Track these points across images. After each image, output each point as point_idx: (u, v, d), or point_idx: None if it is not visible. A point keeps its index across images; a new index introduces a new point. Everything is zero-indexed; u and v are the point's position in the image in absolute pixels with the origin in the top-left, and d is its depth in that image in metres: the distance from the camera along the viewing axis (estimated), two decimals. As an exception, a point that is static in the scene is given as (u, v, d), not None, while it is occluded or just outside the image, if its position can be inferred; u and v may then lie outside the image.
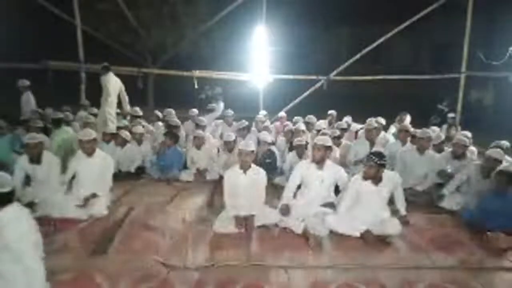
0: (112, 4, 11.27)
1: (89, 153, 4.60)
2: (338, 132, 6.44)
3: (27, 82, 7.88)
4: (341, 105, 8.77)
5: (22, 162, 4.55)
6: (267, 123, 7.94)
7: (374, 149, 5.44)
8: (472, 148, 6.11)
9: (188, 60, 12.65)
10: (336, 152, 6.02)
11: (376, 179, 4.10)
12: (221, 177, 5.30)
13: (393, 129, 7.68)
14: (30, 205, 4.20)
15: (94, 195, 4.50)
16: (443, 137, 6.34)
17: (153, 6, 13.18)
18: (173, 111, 7.91)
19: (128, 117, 7.88)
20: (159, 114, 8.16)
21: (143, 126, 7.15)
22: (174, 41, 13.35)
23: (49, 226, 4.02)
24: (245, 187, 4.26)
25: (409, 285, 3.25)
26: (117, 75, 7.46)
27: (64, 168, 4.75)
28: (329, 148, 4.44)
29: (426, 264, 3.61)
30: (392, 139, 7.13)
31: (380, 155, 4.08)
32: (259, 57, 9.74)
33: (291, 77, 10.32)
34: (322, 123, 7.66)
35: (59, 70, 9.29)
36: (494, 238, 3.95)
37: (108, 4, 11.81)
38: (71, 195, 4.53)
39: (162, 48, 13.89)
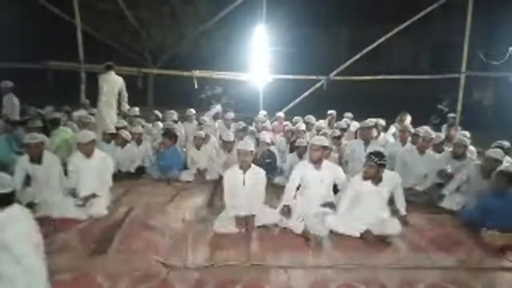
0: (112, 4, 11.27)
1: (88, 153, 4.60)
2: (338, 132, 6.44)
3: (10, 83, 7.62)
4: (341, 105, 8.77)
5: (23, 162, 4.55)
6: (267, 123, 7.94)
7: (370, 148, 5.43)
8: (471, 148, 6.11)
9: (188, 60, 12.65)
10: (336, 152, 6.03)
11: (376, 179, 4.10)
12: (221, 177, 5.30)
13: (392, 129, 7.67)
14: (30, 205, 4.21)
15: (93, 195, 4.50)
16: (443, 137, 6.34)
17: (153, 6, 13.19)
18: (175, 113, 7.89)
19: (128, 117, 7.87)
20: (159, 114, 8.16)
21: (143, 126, 7.15)
22: (174, 41, 13.36)
23: (49, 226, 4.01)
24: (245, 187, 4.26)
25: (409, 285, 3.25)
26: (118, 74, 7.43)
27: (64, 169, 4.75)
28: (326, 148, 4.43)
29: (426, 264, 3.61)
30: (392, 139, 7.13)
31: (380, 155, 4.08)
32: (259, 57, 9.74)
33: (291, 77, 10.32)
34: (322, 123, 7.67)
35: (59, 70, 9.29)
36: (490, 236, 3.96)
37: (108, 4, 11.81)
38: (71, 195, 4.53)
39: (162, 48, 13.90)
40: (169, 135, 6.24)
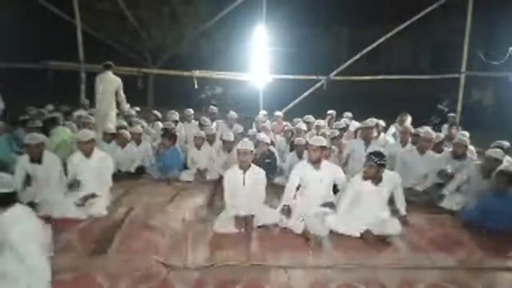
0: (112, 4, 11.28)
1: (88, 153, 4.60)
2: (337, 133, 6.44)
3: None
4: (341, 105, 8.77)
5: (23, 162, 4.55)
6: (267, 123, 7.93)
7: (370, 148, 5.44)
8: (472, 148, 6.11)
9: (188, 60, 12.65)
10: (336, 152, 6.03)
11: (376, 179, 4.10)
12: (221, 177, 5.30)
13: (392, 129, 7.67)
14: (31, 205, 4.19)
15: (93, 195, 4.50)
16: (442, 137, 6.33)
17: (153, 6, 13.19)
18: (176, 113, 7.88)
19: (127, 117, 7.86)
20: (158, 114, 8.15)
21: (142, 126, 7.15)
22: (174, 41, 13.36)
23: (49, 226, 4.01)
24: (245, 187, 4.26)
25: (409, 285, 3.24)
26: (117, 74, 7.43)
27: (64, 169, 4.75)
28: (325, 148, 4.43)
29: (426, 264, 3.61)
30: (391, 139, 7.12)
31: (380, 155, 4.08)
32: (259, 57, 9.74)
33: (291, 77, 10.32)
34: (322, 122, 7.68)
35: (59, 70, 9.29)
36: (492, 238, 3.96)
37: (108, 4, 11.82)
38: (71, 195, 4.53)
39: (162, 48, 13.90)
40: (168, 135, 6.24)
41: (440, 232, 4.32)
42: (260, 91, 10.03)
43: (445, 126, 8.20)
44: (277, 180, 5.72)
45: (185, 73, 9.95)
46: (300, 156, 5.71)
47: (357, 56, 9.75)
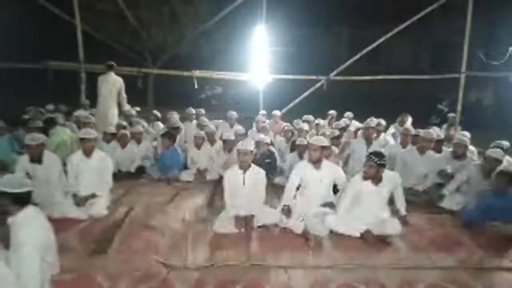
0: (112, 4, 11.29)
1: (89, 152, 4.60)
2: (337, 133, 6.44)
3: None
4: (341, 105, 8.77)
5: (23, 162, 4.55)
6: (267, 123, 7.92)
7: (372, 148, 5.44)
8: (472, 148, 6.11)
9: (188, 60, 12.66)
10: (336, 152, 6.02)
11: (376, 179, 4.10)
12: (221, 177, 5.30)
13: (392, 129, 7.66)
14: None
15: (93, 195, 4.50)
16: (442, 136, 6.33)
17: (153, 6, 13.21)
18: (176, 114, 7.86)
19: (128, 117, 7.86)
20: (158, 114, 8.15)
21: (143, 126, 7.15)
22: (174, 41, 13.37)
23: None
24: (245, 187, 4.26)
25: (409, 285, 3.25)
26: (118, 75, 7.44)
27: (64, 169, 4.75)
28: (325, 148, 4.43)
29: (426, 264, 3.61)
30: (391, 139, 7.11)
31: (380, 155, 4.08)
32: (259, 57, 9.74)
33: (291, 77, 10.32)
34: (322, 121, 7.68)
35: (59, 70, 9.29)
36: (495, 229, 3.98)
37: (108, 4, 11.83)
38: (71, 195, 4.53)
39: (162, 48, 13.91)
40: (168, 135, 6.24)
41: (440, 232, 4.32)
42: (260, 91, 10.03)
43: (445, 126, 8.21)
44: (277, 180, 5.72)
45: (185, 73, 9.95)
46: (301, 156, 5.71)
47: (357, 56, 9.74)
